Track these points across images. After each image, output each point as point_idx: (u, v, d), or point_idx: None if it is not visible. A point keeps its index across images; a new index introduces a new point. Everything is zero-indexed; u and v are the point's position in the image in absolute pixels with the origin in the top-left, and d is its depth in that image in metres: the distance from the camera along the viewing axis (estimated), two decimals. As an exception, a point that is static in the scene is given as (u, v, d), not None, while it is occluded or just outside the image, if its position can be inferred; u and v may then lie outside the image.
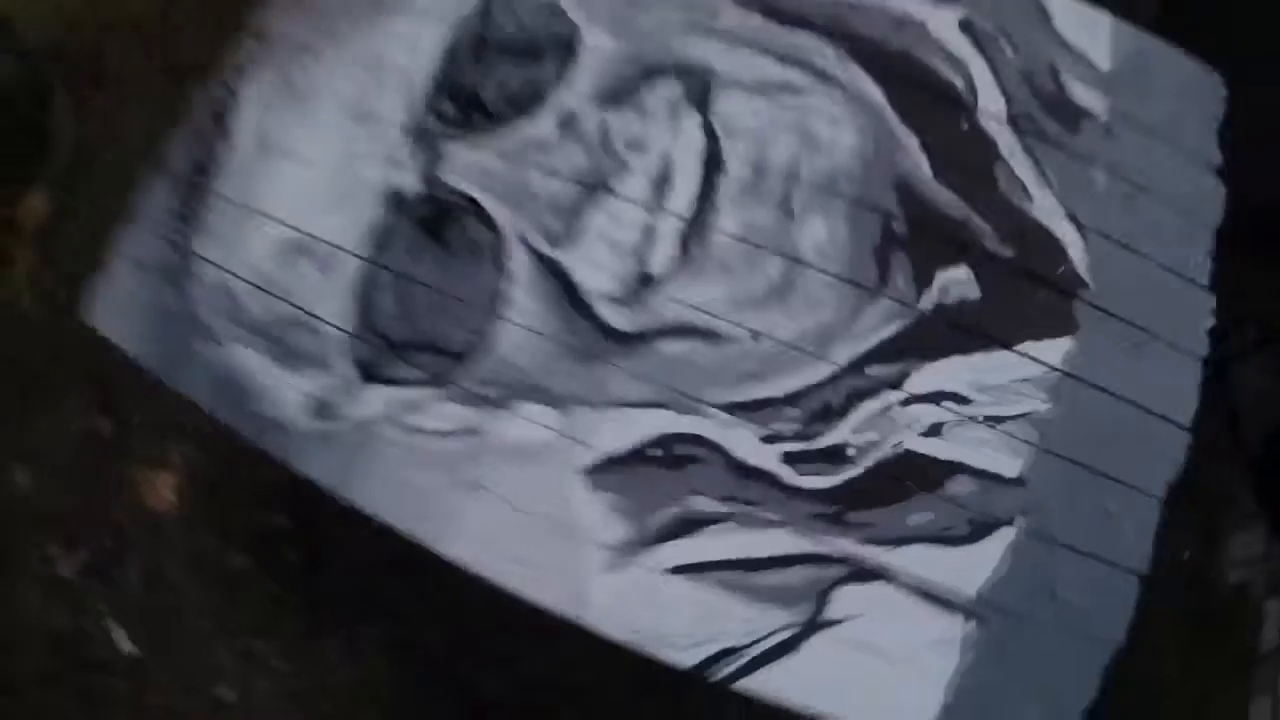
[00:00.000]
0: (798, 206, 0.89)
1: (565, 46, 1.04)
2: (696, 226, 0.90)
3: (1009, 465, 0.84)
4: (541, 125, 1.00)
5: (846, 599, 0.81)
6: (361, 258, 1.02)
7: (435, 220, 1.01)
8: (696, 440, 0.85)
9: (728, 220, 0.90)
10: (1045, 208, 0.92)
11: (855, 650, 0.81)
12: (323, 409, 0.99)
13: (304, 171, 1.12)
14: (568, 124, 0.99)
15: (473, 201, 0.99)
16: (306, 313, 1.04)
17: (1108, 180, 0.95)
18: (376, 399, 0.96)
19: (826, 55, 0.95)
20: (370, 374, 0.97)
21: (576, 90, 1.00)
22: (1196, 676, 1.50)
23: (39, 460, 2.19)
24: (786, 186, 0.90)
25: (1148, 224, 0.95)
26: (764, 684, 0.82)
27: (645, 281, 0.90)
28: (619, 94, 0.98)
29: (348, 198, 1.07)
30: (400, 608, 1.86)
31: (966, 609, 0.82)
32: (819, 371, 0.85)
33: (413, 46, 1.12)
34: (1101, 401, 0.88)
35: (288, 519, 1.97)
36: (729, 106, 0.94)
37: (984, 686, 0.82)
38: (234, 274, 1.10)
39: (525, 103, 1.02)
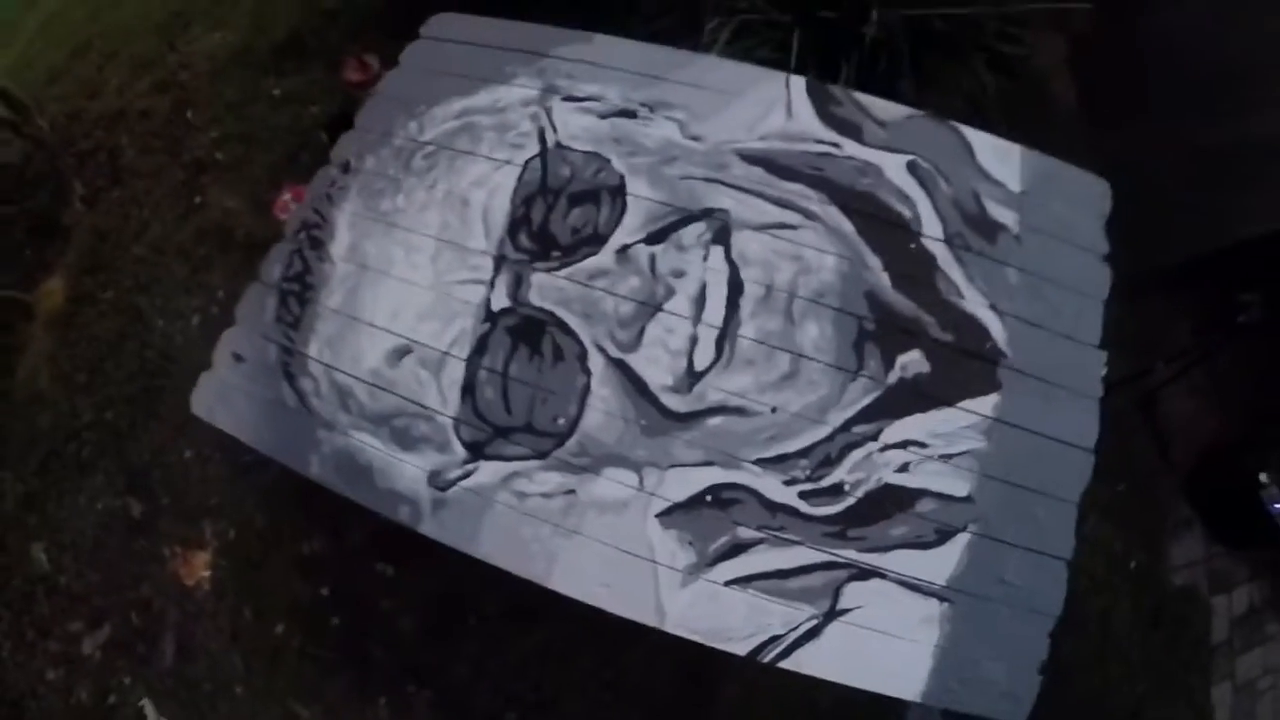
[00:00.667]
0: (797, 315, 1.48)
1: (616, 194, 1.62)
2: (727, 333, 1.48)
3: (960, 488, 1.41)
4: (604, 258, 1.58)
5: (853, 594, 1.36)
6: (464, 360, 1.57)
7: (524, 330, 1.56)
8: (737, 487, 1.41)
9: (748, 328, 1.49)
10: (973, 302, 1.52)
11: (863, 631, 1.35)
12: (441, 482, 1.51)
13: (404, 289, 1.68)
14: (624, 257, 1.57)
15: (555, 317, 1.55)
16: (419, 405, 1.57)
17: (1019, 277, 1.56)
18: (487, 472, 1.49)
19: (811, 199, 1.57)
20: (480, 453, 1.51)
21: (628, 230, 1.58)
22: (1157, 668, 2.07)
23: (60, 539, 2.61)
24: (789, 301, 1.49)
25: (1050, 306, 1.56)
26: (800, 663, 1.35)
27: (692, 375, 1.47)
28: (661, 233, 1.57)
29: (446, 311, 1.63)
30: (445, 668, 2.32)
31: (939, 594, 1.37)
32: (820, 432, 1.43)
33: (490, 189, 1.70)
34: (1024, 437, 1.46)
35: (329, 589, 2.43)
36: (744, 242, 1.54)
37: (960, 652, 1.36)
38: (348, 373, 1.63)
39: (590, 239, 1.60)
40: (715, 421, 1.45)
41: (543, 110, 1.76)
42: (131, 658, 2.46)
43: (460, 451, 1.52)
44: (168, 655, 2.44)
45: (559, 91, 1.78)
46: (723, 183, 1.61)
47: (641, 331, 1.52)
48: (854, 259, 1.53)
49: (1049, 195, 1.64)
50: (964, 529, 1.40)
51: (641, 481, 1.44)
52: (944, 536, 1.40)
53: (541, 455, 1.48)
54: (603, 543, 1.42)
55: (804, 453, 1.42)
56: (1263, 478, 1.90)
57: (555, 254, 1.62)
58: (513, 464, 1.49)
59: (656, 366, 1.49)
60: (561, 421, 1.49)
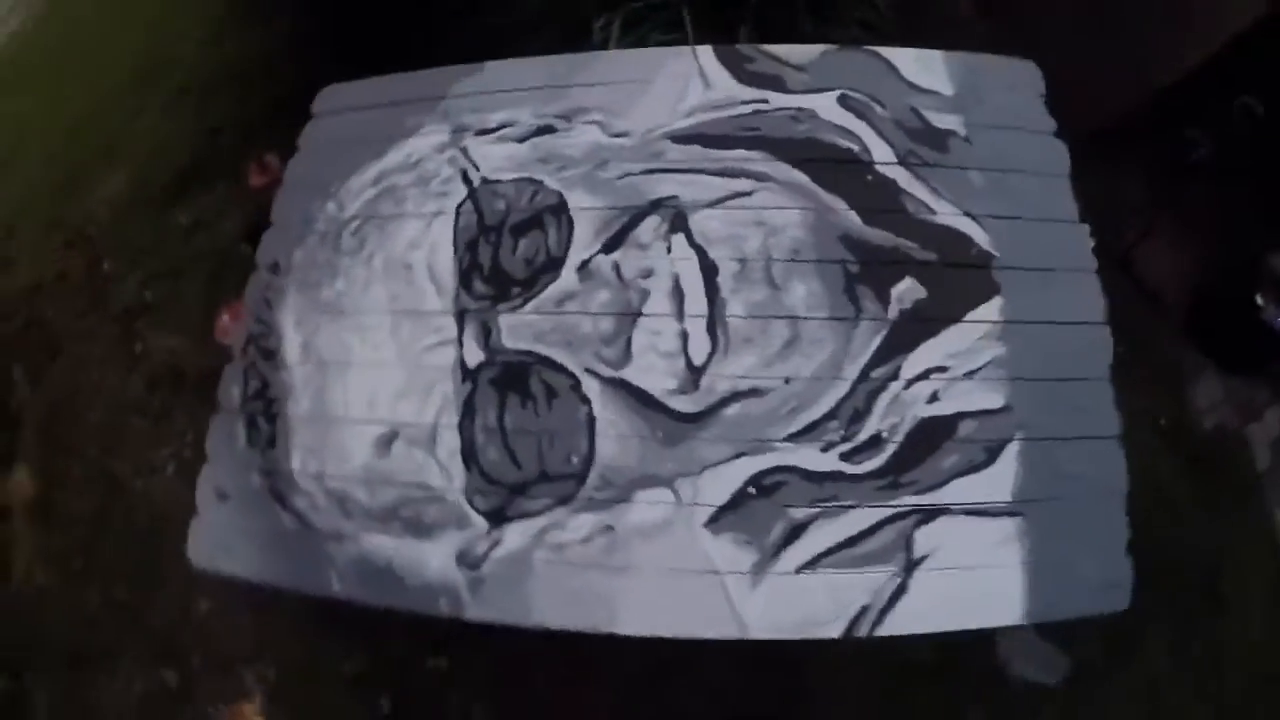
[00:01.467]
0: (779, 279, 1.38)
1: (558, 213, 1.51)
2: (715, 318, 1.38)
3: (994, 400, 1.32)
4: (566, 280, 1.46)
5: (924, 539, 1.26)
6: (456, 427, 1.43)
7: (508, 378, 1.43)
8: (776, 470, 1.30)
9: (735, 306, 1.38)
10: (946, 214, 1.43)
11: (947, 573, 1.25)
12: (471, 560, 1.37)
13: (372, 373, 1.54)
14: (587, 273, 1.45)
15: (535, 354, 1.42)
16: (423, 487, 1.43)
17: (981, 177, 1.48)
18: (516, 535, 1.36)
19: (755, 160, 1.47)
20: (502, 517, 1.37)
21: (582, 245, 1.47)
22: (1218, 514, 2.01)
23: (104, 731, 2.38)
24: (766, 267, 1.39)
25: (1020, 195, 1.48)
26: (897, 626, 1.24)
27: (694, 371, 1.36)
28: (617, 238, 1.46)
29: (422, 383, 1.49)
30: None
31: (1008, 511, 1.28)
32: (840, 389, 1.33)
33: (429, 245, 1.57)
34: (1038, 330, 1.38)
35: (389, 700, 2.26)
36: (702, 222, 1.43)
37: (1047, 561, 1.26)
38: (339, 477, 1.49)
39: (546, 265, 1.48)
40: (732, 411, 1.33)
41: (458, 151, 1.63)
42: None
43: (481, 523, 1.38)
44: (238, 826, 2.24)
45: (469, 128, 1.65)
46: (662, 170, 1.49)
47: (628, 343, 1.39)
48: (817, 207, 1.42)
49: (983, 90, 1.55)
50: (1011, 439, 1.30)
51: (678, 495, 1.31)
52: (994, 453, 1.30)
53: (566, 500, 1.35)
54: (659, 570, 1.30)
55: (831, 414, 1.31)
56: (1258, 299, 1.86)
57: (515, 291, 1.49)
58: (539, 519, 1.35)
59: (655, 374, 1.37)
60: (575, 460, 1.36)
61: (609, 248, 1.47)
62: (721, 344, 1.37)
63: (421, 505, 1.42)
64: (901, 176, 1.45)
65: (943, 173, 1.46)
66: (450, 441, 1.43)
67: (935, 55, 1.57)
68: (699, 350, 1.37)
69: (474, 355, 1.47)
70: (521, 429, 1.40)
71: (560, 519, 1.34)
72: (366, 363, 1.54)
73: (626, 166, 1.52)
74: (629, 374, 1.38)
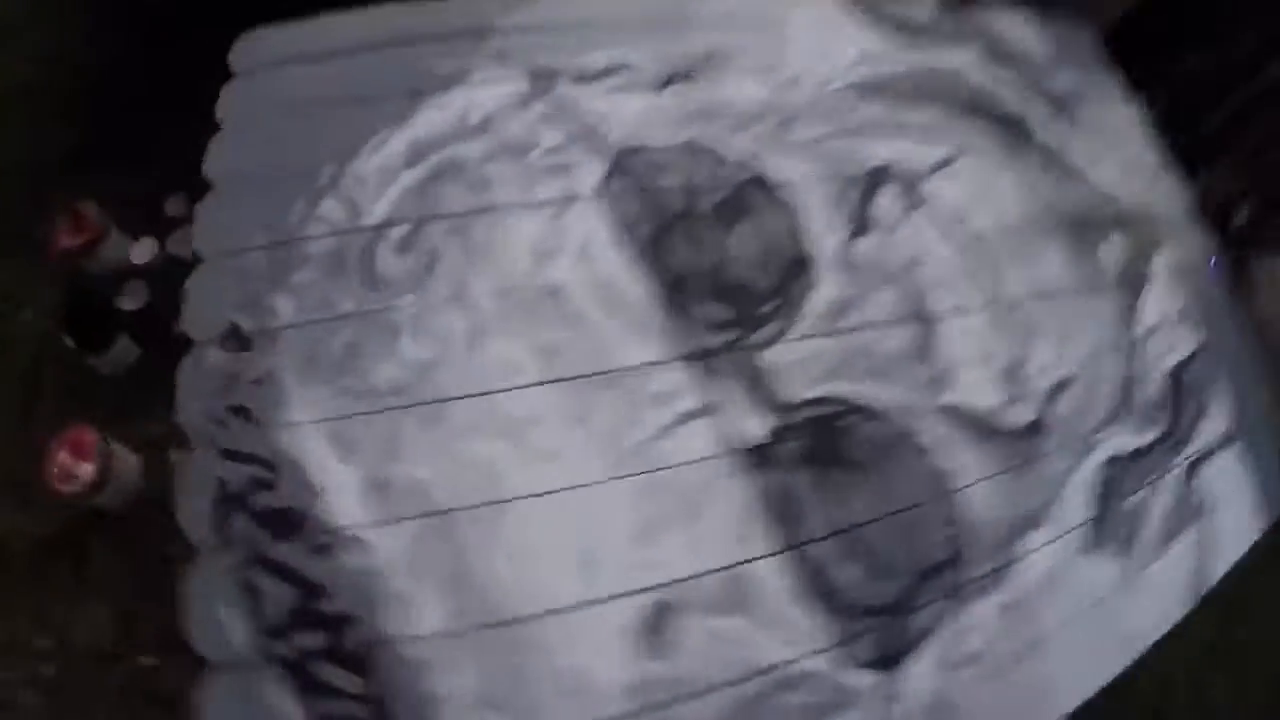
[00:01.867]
0: (1027, 252, 1.18)
1: (772, 190, 1.03)
2: (1000, 307, 1.11)
3: (1198, 340, 1.29)
4: (828, 283, 1.01)
5: (1204, 484, 1.19)
6: (778, 552, 0.86)
7: (814, 450, 0.92)
8: (1110, 462, 1.11)
9: (1011, 288, 1.13)
10: (1104, 169, 1.36)
11: (1226, 509, 1.20)
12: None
13: (569, 507, 0.83)
14: (849, 269, 1.03)
15: (837, 402, 0.94)
16: (765, 670, 0.82)
17: (1106, 135, 1.41)
18: (925, 672, 0.88)
19: (942, 119, 1.23)
20: (895, 657, 0.88)
21: (826, 231, 1.03)
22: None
23: None
24: (1012, 241, 1.17)
25: (1136, 153, 1.44)
26: (1219, 572, 1.15)
27: (1011, 373, 1.07)
28: (860, 224, 1.07)
29: (677, 503, 0.86)
30: None
31: (1233, 438, 1.25)
32: (1117, 361, 1.18)
33: (577, 253, 0.92)
34: (1194, 273, 1.37)
35: None
36: (932, 193, 1.14)
37: (1258, 475, 1.24)
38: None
39: (791, 266, 0.99)
40: (1060, 410, 1.08)
41: (559, 104, 0.98)
42: None
43: (868, 680, 0.85)
44: None
45: (559, 73, 1.01)
46: (860, 131, 1.14)
47: (935, 357, 1.02)
48: (1021, 169, 1.24)
49: (1072, 51, 1.48)
50: (1216, 372, 1.30)
51: (1057, 527, 1.01)
52: (1212, 388, 1.28)
53: (955, 594, 0.92)
54: (1068, 626, 0.98)
55: (1122, 388, 1.16)
56: None
57: (765, 310, 0.96)
58: (941, 635, 0.89)
59: (981, 389, 1.03)
60: (948, 531, 0.95)
61: (854, 234, 1.06)
62: (1019, 335, 1.10)
63: (769, 701, 0.81)
64: (1056, 136, 1.36)
65: (1082, 131, 1.39)
66: (774, 579, 0.85)
67: (1016, 16, 1.46)
68: (1003, 347, 1.08)
69: (751, 426, 0.90)
70: (863, 518, 0.91)
71: (964, 622, 0.92)
72: (545, 488, 0.81)
73: (819, 127, 1.12)
74: (955, 399, 1.01)
